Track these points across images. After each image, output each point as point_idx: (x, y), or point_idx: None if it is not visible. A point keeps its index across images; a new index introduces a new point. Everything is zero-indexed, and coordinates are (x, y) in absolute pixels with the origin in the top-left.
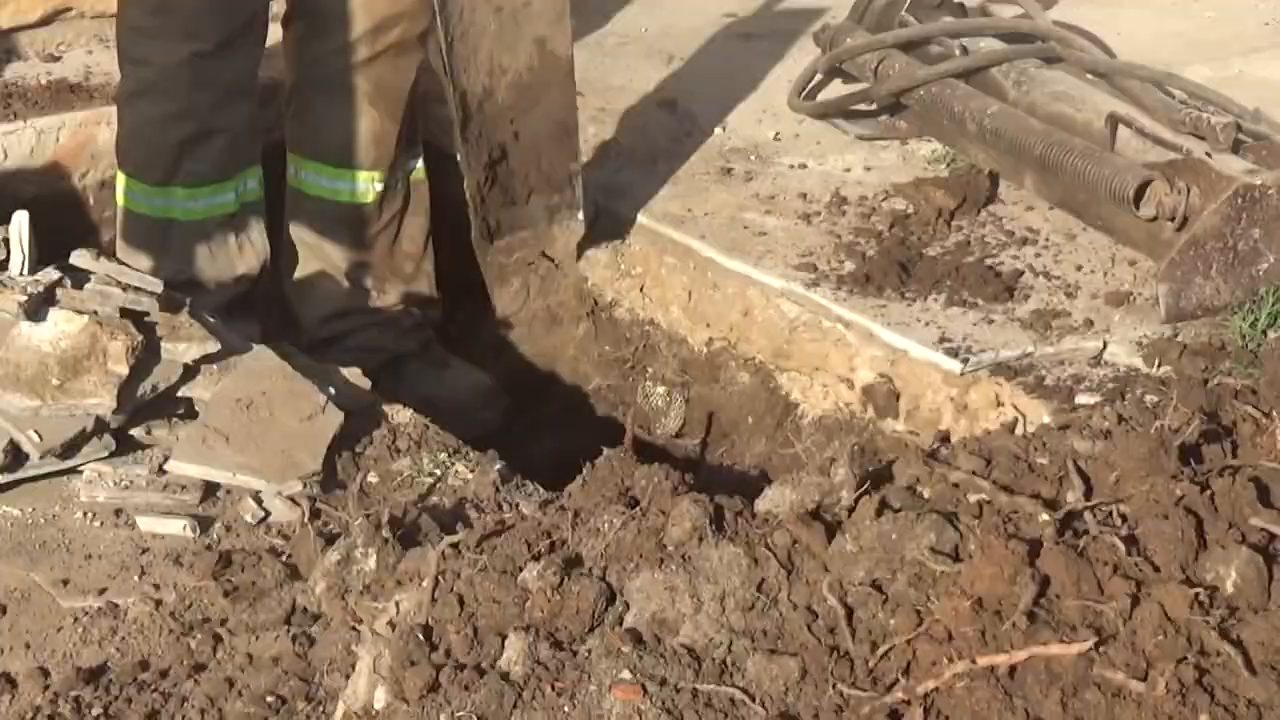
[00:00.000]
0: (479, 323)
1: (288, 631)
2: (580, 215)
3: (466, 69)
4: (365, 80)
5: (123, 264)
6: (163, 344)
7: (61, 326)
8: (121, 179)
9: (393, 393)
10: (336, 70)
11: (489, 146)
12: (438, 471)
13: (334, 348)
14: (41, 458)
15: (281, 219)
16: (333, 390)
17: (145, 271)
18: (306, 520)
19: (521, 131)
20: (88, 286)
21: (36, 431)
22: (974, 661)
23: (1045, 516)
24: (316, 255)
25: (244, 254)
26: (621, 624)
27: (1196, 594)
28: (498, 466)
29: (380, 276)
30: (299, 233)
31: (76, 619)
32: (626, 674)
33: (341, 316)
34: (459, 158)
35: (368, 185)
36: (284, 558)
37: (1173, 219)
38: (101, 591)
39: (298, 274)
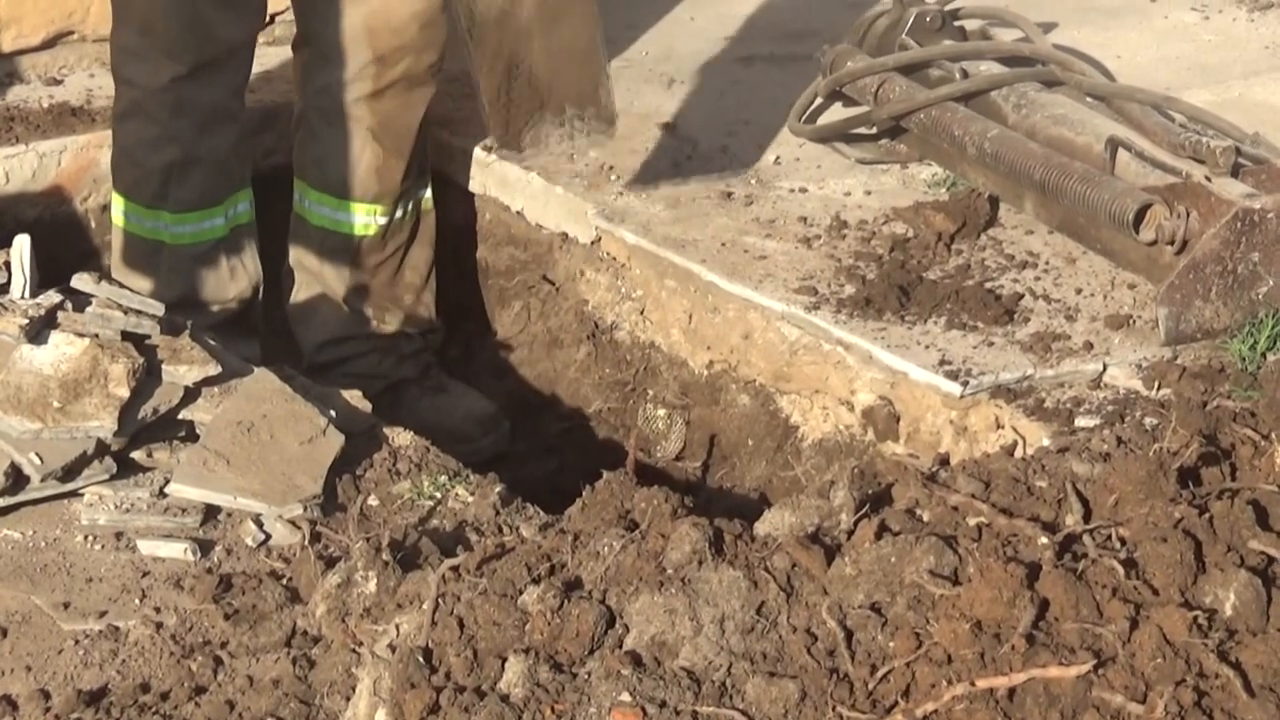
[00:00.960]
0: (479, 345)
1: (288, 654)
2: (614, 128)
3: None
4: (370, 114)
5: (121, 285)
6: (164, 367)
7: (62, 349)
8: (118, 198)
9: (392, 419)
10: (341, 102)
11: (506, 61)
12: (438, 494)
13: (332, 373)
14: (42, 480)
15: (283, 241)
16: (333, 413)
17: (140, 291)
18: (307, 543)
19: (544, 49)
20: (89, 310)
21: (37, 454)
22: (973, 684)
23: (1044, 539)
24: (318, 281)
25: (235, 277)
26: (621, 646)
27: (1195, 617)
28: (498, 489)
29: (381, 306)
30: (300, 257)
31: (77, 641)
32: (626, 696)
33: (340, 342)
34: (470, 66)
35: (369, 218)
36: (284, 581)
37: (1172, 243)
38: (102, 614)
39: (297, 298)
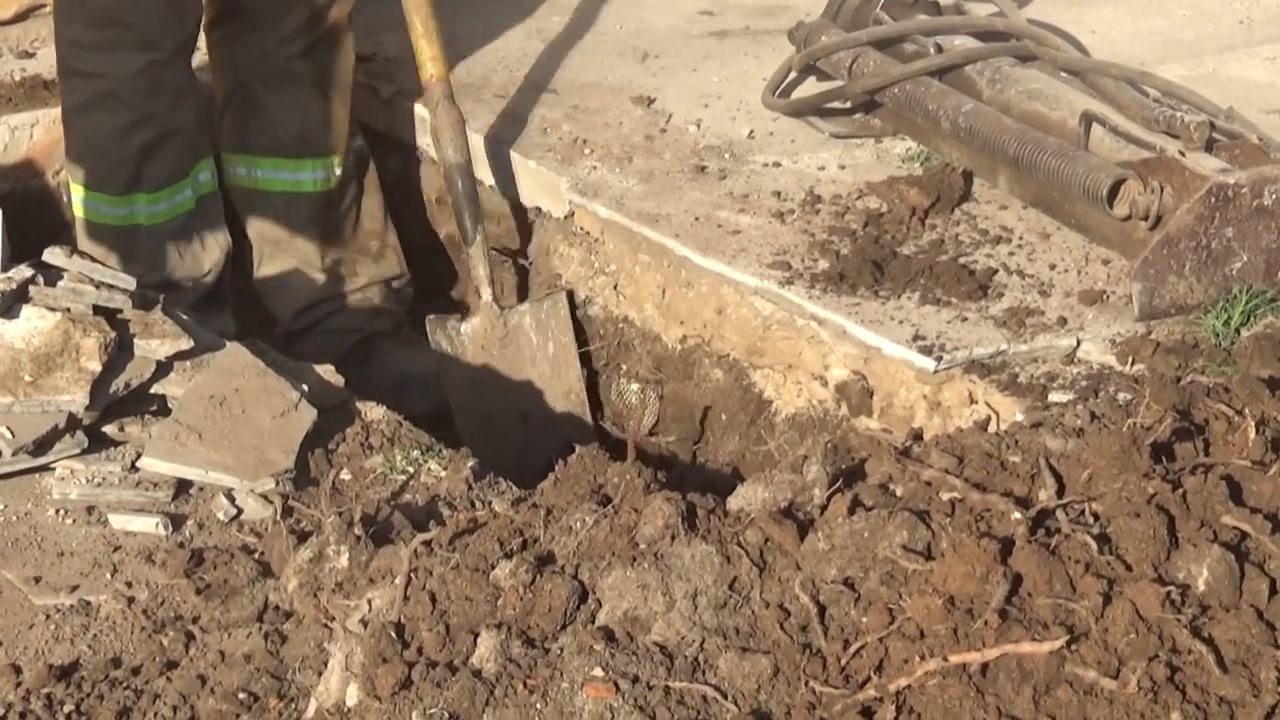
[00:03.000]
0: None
1: (260, 629)
2: None
3: None
4: (310, 68)
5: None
6: (135, 341)
7: (34, 323)
8: (79, 191)
9: (365, 373)
10: (281, 63)
11: None
12: (410, 469)
13: (308, 335)
14: (13, 455)
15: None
16: (305, 387)
17: (73, 250)
18: (279, 518)
19: None
20: (61, 284)
21: (9, 428)
22: (946, 659)
23: (1017, 515)
24: (284, 250)
25: (208, 248)
26: (594, 622)
27: (1168, 592)
28: (470, 464)
29: (350, 259)
30: (262, 230)
31: (48, 616)
32: (599, 672)
33: (315, 306)
34: None
35: (327, 171)
36: (256, 555)
37: (1146, 218)
38: (74, 589)
39: (265, 271)
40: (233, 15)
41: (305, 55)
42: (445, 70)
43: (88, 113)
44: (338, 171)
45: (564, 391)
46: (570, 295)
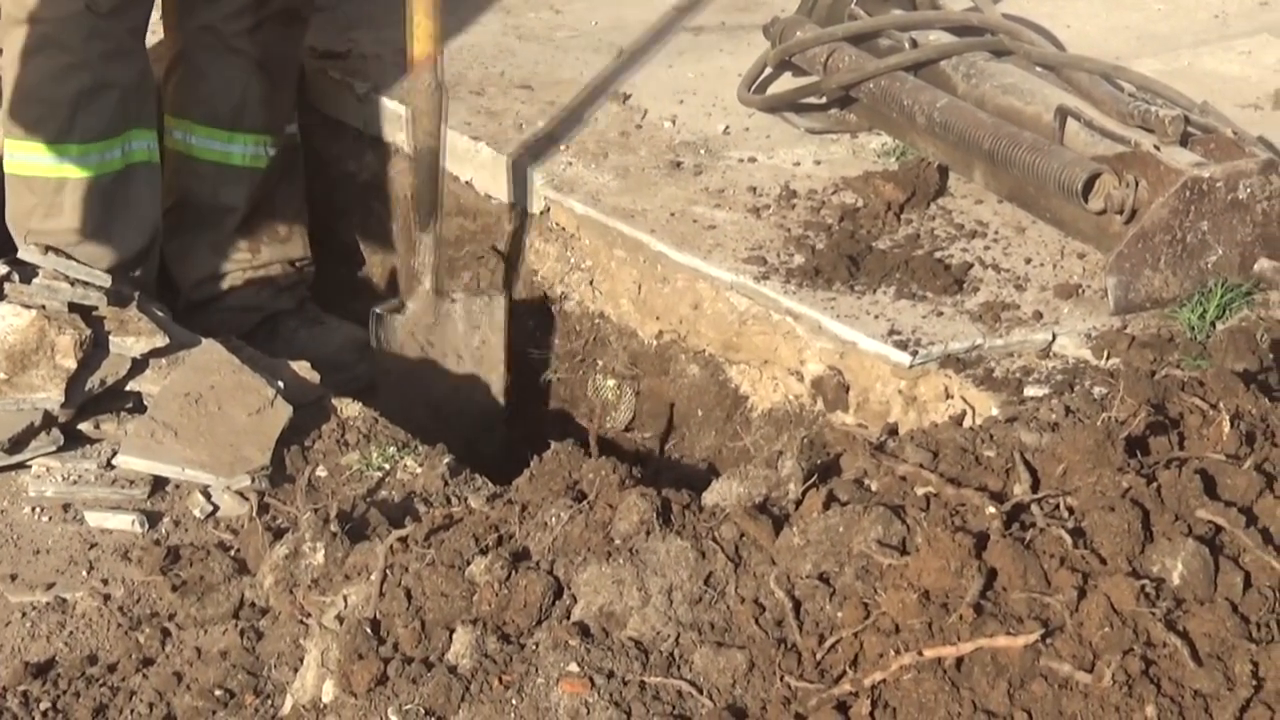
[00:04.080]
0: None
1: (236, 625)
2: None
3: None
4: (254, 46)
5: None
6: (111, 338)
7: (9, 321)
8: (11, 145)
9: (270, 350)
10: (226, 36)
11: None
12: (386, 465)
13: (209, 308)
14: None
15: None
16: (281, 384)
17: (42, 231)
18: (255, 514)
19: None
20: (35, 281)
21: None
22: (921, 653)
23: (992, 509)
24: (200, 219)
25: (134, 221)
26: (569, 617)
27: (1143, 586)
28: (446, 460)
29: (256, 238)
30: (185, 196)
31: (24, 614)
32: (574, 667)
33: (216, 278)
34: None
35: (259, 149)
36: (232, 552)
37: (1121, 212)
38: (49, 586)
39: (176, 237)
40: None
41: (250, 34)
42: (437, 51)
43: (28, 60)
44: (270, 151)
45: (482, 389)
46: (509, 297)
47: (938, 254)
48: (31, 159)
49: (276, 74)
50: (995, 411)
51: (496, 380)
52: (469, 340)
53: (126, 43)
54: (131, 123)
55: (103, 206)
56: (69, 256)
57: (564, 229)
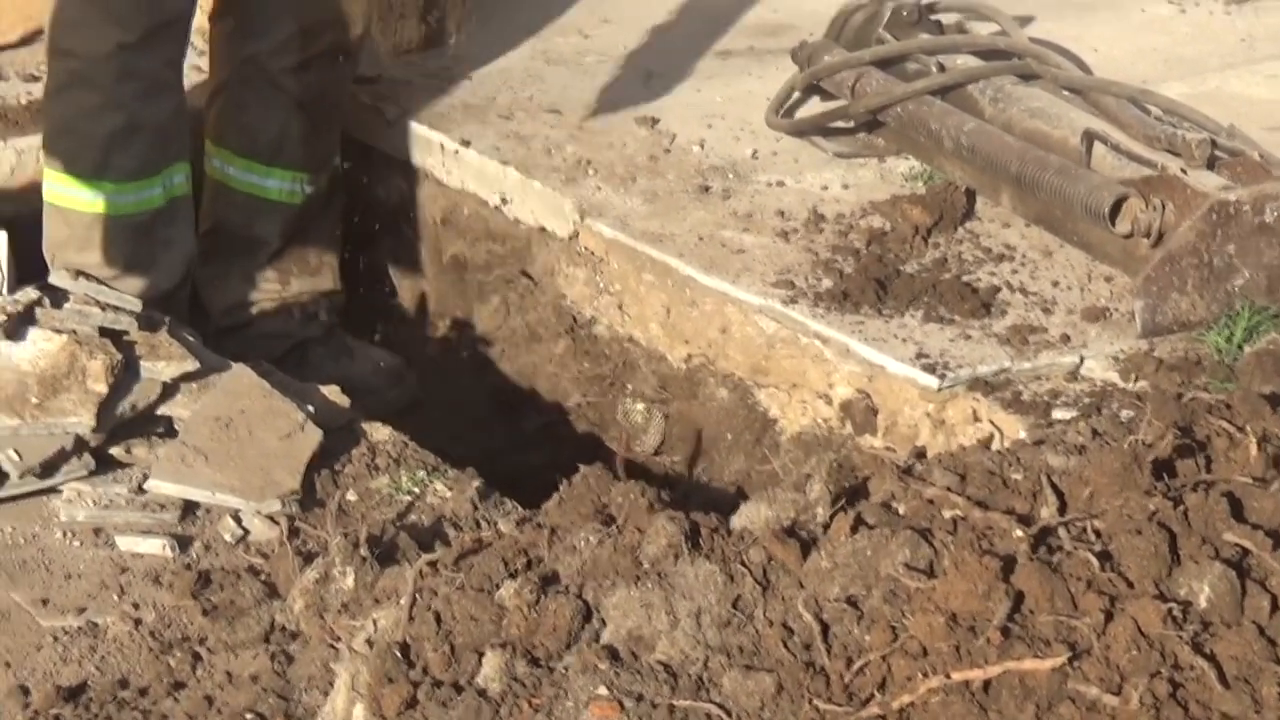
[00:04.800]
0: (459, 340)
1: (266, 649)
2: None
3: None
4: (297, 85)
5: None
6: (142, 363)
7: (41, 346)
8: (49, 175)
9: (299, 376)
10: (269, 71)
11: None
12: (416, 489)
13: (238, 335)
14: (21, 477)
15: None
16: (311, 409)
17: (79, 266)
18: (285, 539)
19: None
20: (67, 306)
21: (16, 451)
22: (948, 676)
23: (1019, 532)
24: (232, 246)
25: (171, 252)
26: (598, 640)
27: (1170, 609)
28: (476, 484)
29: (287, 270)
30: (219, 224)
31: (56, 638)
32: (603, 690)
33: (246, 306)
34: None
35: (295, 185)
36: (263, 576)
37: (1148, 235)
38: (81, 610)
39: (209, 264)
40: (231, 12)
41: (294, 72)
42: None
43: (63, 93)
44: (307, 189)
45: None
46: None
47: (965, 277)
48: (68, 192)
49: (318, 112)
50: (1023, 434)
51: None
52: None
53: (162, 78)
54: (171, 158)
55: (139, 243)
56: (99, 281)
57: (593, 253)
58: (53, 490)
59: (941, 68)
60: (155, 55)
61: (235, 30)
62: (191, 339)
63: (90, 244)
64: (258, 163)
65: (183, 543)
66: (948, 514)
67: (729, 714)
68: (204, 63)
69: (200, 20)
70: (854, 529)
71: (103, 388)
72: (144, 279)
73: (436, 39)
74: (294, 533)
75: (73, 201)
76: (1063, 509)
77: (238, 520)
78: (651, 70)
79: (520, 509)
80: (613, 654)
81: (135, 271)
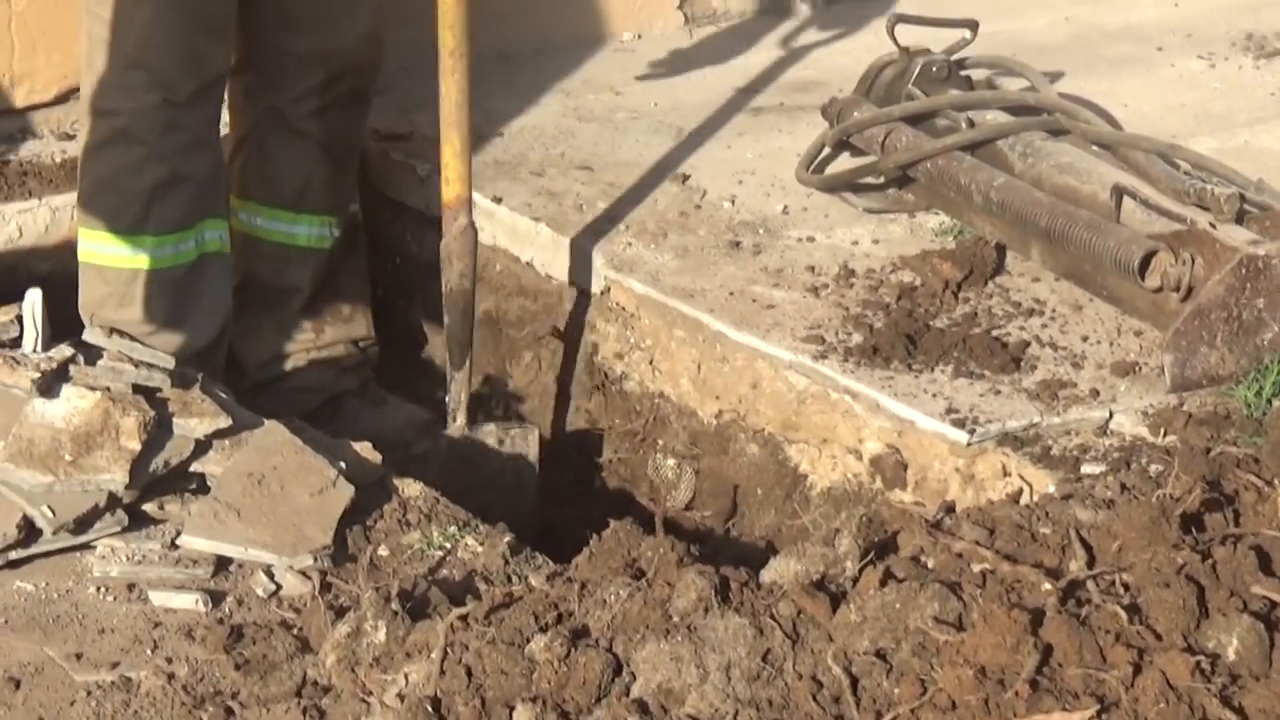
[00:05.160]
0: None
1: (299, 704)
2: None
3: None
4: (320, 129)
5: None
6: (174, 419)
7: (74, 403)
8: (85, 234)
9: (333, 430)
10: (290, 119)
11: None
12: (447, 544)
13: (273, 389)
14: (55, 533)
15: None
16: (343, 464)
17: (116, 323)
18: (317, 593)
19: None
20: (100, 363)
21: (50, 507)
22: None
23: (1048, 585)
24: (264, 299)
25: (205, 310)
26: (628, 694)
27: (1198, 662)
28: (507, 539)
29: (320, 319)
30: (250, 276)
31: (90, 692)
32: None
33: (280, 359)
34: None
35: (324, 230)
36: (295, 631)
37: (1177, 289)
38: (114, 665)
39: (242, 317)
40: (252, 67)
41: (316, 116)
42: (470, 192)
43: (103, 150)
44: (334, 232)
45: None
46: (539, 435)
47: (995, 332)
48: (105, 249)
49: (340, 155)
50: (1052, 489)
51: (530, 514)
52: (501, 474)
53: (203, 133)
54: (206, 213)
55: (175, 298)
56: (133, 338)
57: (624, 309)
58: (86, 546)
59: (971, 123)
60: (199, 113)
61: (256, 82)
62: (224, 395)
63: (128, 300)
64: (285, 210)
65: (215, 598)
66: (976, 568)
67: None
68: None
69: None
70: (883, 582)
71: (136, 444)
72: (180, 335)
73: None
74: (326, 587)
75: (111, 258)
76: (1091, 562)
77: (270, 575)
78: (682, 127)
79: (551, 564)
80: (643, 707)
81: (171, 328)
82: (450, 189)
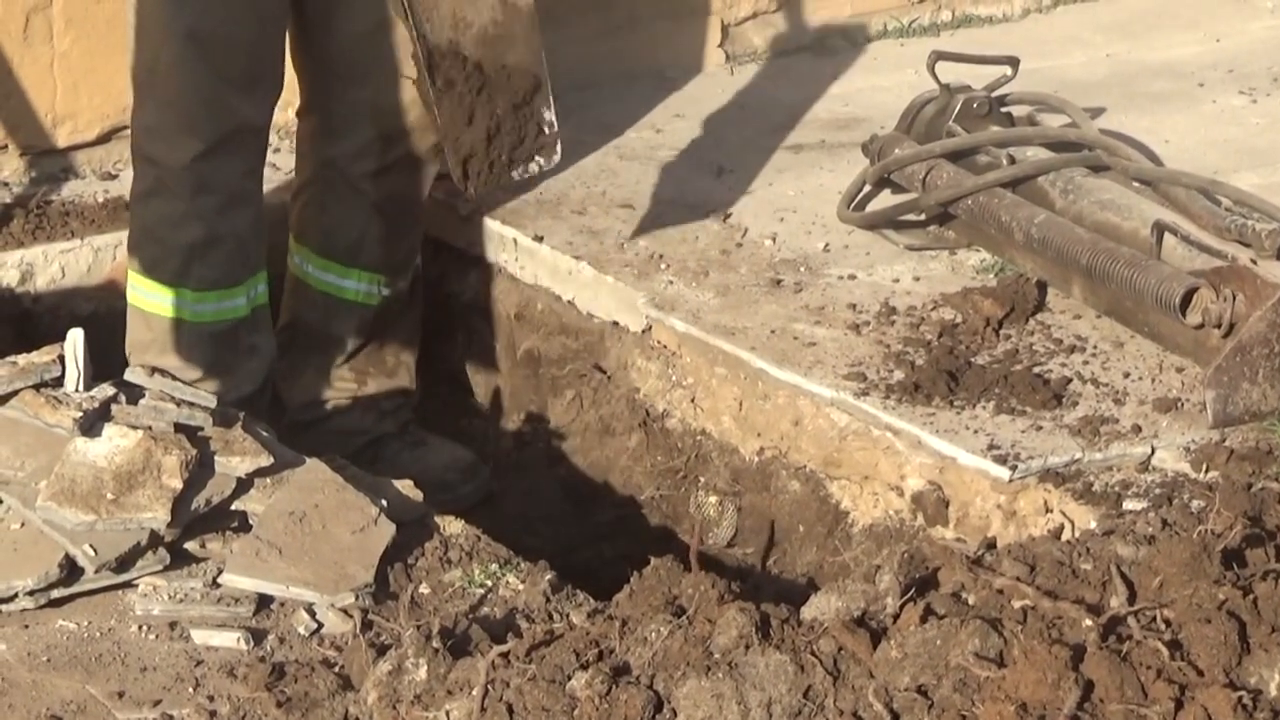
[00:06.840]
0: (531, 434)
1: None
2: (556, 158)
3: (430, 21)
4: (376, 189)
5: (171, 376)
6: (216, 458)
7: (116, 442)
8: (133, 277)
9: (373, 472)
10: (348, 176)
11: (462, 97)
12: (489, 582)
13: (314, 430)
14: (97, 571)
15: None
16: (385, 502)
17: (154, 370)
18: (359, 631)
19: (492, 84)
20: (142, 402)
21: (92, 546)
22: None
23: (1089, 622)
24: (309, 343)
25: (252, 357)
26: None
27: (1240, 697)
28: (548, 577)
29: (363, 370)
30: (296, 319)
31: None
32: None
33: (321, 403)
34: (431, 106)
35: (373, 287)
36: (336, 669)
37: (1219, 325)
38: (156, 703)
39: (285, 356)
40: (314, 110)
41: (374, 177)
42: None
43: (148, 199)
44: (384, 291)
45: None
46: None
47: (1036, 369)
48: (150, 296)
49: (397, 216)
50: (1093, 525)
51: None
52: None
53: (237, 188)
54: (253, 268)
55: (221, 350)
56: (174, 377)
57: (665, 347)
58: (128, 585)
59: (1012, 160)
60: (231, 167)
61: (317, 129)
62: (266, 434)
63: (172, 349)
64: (336, 263)
65: (257, 636)
66: (1017, 604)
67: None
68: (279, 160)
69: (286, 117)
70: (924, 619)
71: (177, 483)
72: (225, 384)
73: None
74: (367, 625)
75: (155, 306)
76: (1132, 598)
77: (311, 613)
78: (723, 165)
79: (592, 601)
80: None
81: (216, 376)
82: None
